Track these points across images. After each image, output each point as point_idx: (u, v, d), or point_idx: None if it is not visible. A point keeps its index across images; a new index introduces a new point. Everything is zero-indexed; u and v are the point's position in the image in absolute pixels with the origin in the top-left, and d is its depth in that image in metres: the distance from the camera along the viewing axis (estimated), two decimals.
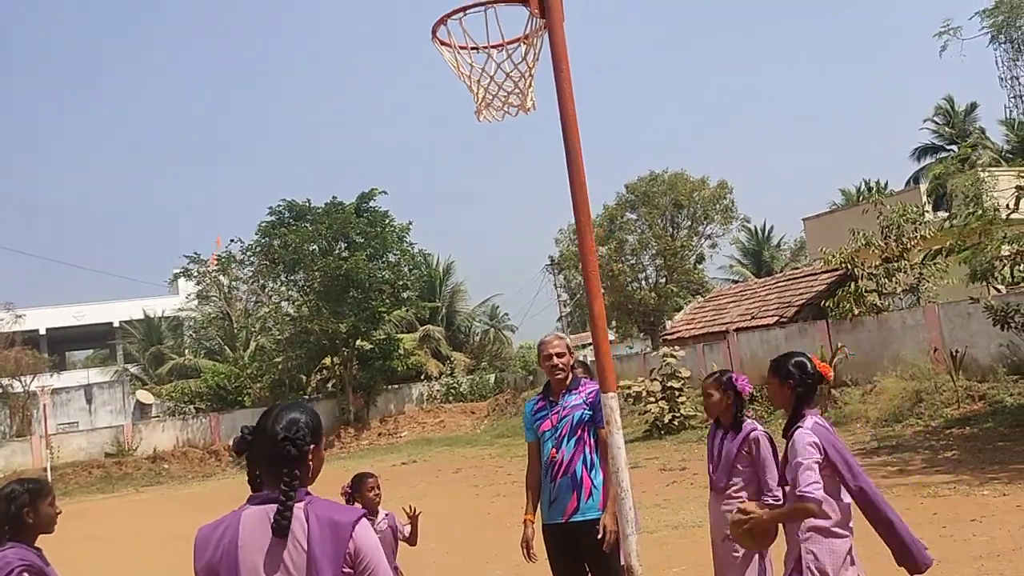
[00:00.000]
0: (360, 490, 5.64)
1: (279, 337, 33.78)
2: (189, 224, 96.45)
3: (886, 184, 45.06)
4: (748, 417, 5.14)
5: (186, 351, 40.99)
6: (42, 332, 46.11)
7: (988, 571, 6.88)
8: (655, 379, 22.28)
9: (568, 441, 5.20)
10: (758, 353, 22.05)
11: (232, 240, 34.82)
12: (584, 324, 55.90)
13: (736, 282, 39.92)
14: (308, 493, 2.61)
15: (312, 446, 2.65)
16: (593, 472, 5.13)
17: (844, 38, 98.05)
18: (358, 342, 34.42)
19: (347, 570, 2.54)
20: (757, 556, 4.88)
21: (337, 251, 33.14)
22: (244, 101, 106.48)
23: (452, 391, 36.91)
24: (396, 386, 36.73)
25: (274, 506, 2.52)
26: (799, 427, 3.97)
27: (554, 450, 5.24)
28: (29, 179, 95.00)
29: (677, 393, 21.59)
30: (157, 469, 31.50)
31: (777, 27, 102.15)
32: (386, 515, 5.69)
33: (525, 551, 5.27)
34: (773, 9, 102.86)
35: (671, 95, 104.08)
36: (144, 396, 38.20)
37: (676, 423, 21.26)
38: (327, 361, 35.30)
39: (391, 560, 5.51)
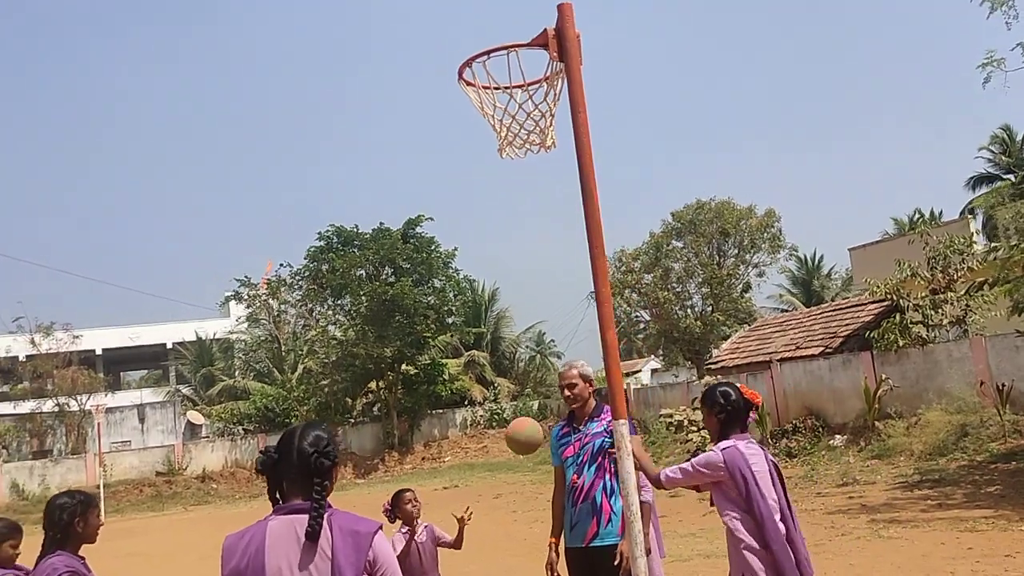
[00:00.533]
0: (399, 504, 5.88)
1: (325, 360, 34.21)
2: (241, 248, 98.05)
3: (940, 213, 44.52)
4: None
5: (236, 373, 41.62)
6: (98, 352, 47.23)
7: None
8: (696, 408, 22.21)
9: (589, 467, 5.38)
10: (801, 384, 21.91)
11: (282, 264, 35.51)
12: (629, 352, 55.84)
13: (785, 311, 39.62)
14: (330, 505, 2.85)
15: (336, 460, 2.93)
16: (612, 498, 5.29)
17: (899, 61, 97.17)
18: (403, 366, 34.76)
19: (365, 575, 2.76)
20: None
21: (383, 276, 33.56)
22: (295, 129, 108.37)
23: (496, 417, 37.03)
24: (440, 411, 36.96)
25: (300, 516, 2.77)
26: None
27: (575, 476, 5.43)
28: (87, 204, 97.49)
29: None
30: (206, 489, 31.99)
31: (829, 53, 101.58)
32: (425, 526, 5.91)
33: (549, 573, 5.43)
34: (822, 36, 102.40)
35: (720, 121, 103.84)
36: (195, 417, 38.87)
37: None
38: (372, 385, 35.66)
39: (433, 569, 5.79)
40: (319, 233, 34.32)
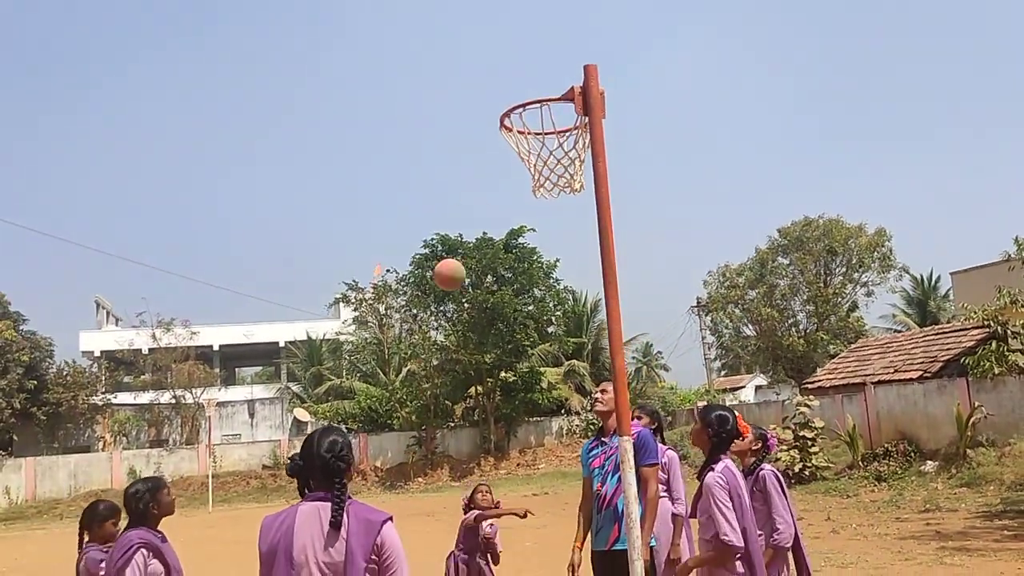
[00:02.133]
0: (473, 497, 6.78)
1: (427, 365, 35.04)
2: (352, 251, 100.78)
3: None
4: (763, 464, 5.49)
5: (343, 373, 42.90)
6: (215, 348, 49.41)
7: None
8: (788, 427, 22.04)
9: (611, 477, 5.85)
10: (895, 407, 21.51)
11: (388, 270, 36.56)
12: (732, 368, 55.17)
13: (898, 332, 38.62)
14: (350, 496, 3.39)
15: (351, 458, 3.46)
16: None
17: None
18: (502, 373, 35.32)
19: (373, 557, 3.27)
20: None
21: (485, 285, 34.21)
22: (402, 142, 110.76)
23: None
24: (537, 419, 37.37)
25: (325, 504, 3.31)
26: (711, 470, 4.50)
27: (600, 485, 5.93)
28: (207, 211, 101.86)
29: (810, 443, 21.30)
30: None
31: (947, 69, 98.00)
32: (491, 524, 6.71)
33: (570, 573, 5.86)
34: (944, 52, 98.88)
35: (837, 135, 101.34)
36: (301, 414, 40.31)
37: (807, 473, 20.98)
38: (472, 390, 36.33)
39: (482, 553, 6.68)
40: (424, 241, 35.25)
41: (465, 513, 6.72)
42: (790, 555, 5.30)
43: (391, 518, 3.36)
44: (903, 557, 10.95)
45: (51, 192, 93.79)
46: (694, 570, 4.76)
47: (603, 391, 6.01)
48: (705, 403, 33.16)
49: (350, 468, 3.44)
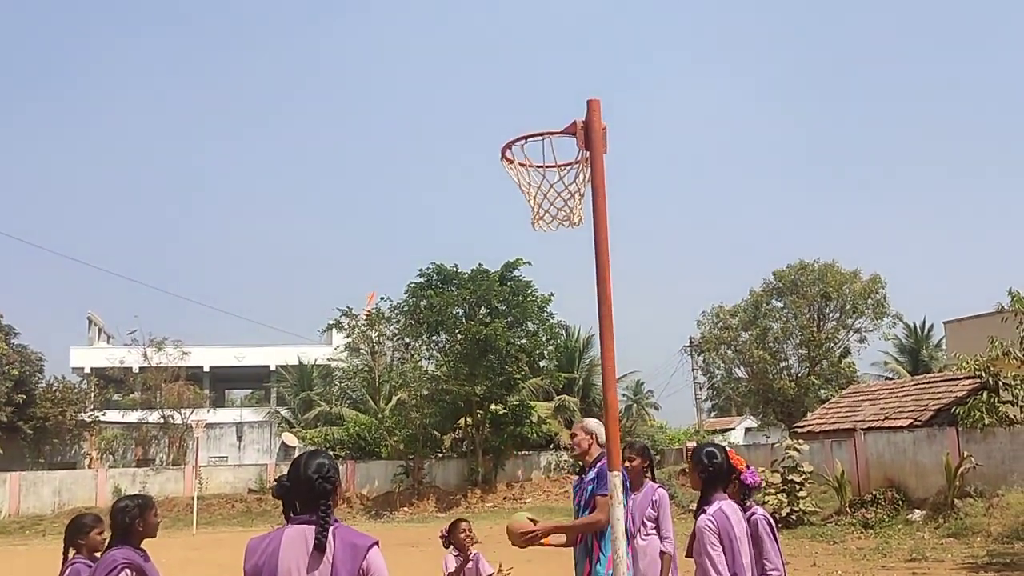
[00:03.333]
0: (454, 532, 6.59)
1: (417, 394, 34.98)
2: (347, 277, 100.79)
3: None
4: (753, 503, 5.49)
5: (333, 399, 42.80)
6: (205, 369, 49.28)
7: None
8: (776, 471, 22.01)
9: (583, 512, 5.89)
10: (884, 454, 21.54)
11: (382, 298, 36.59)
12: (722, 409, 55.14)
13: (889, 379, 38.67)
14: (336, 520, 3.40)
15: (337, 481, 3.46)
16: (603, 542, 5.70)
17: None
18: (492, 406, 35.26)
19: None
20: None
21: (479, 316, 34.23)
22: (400, 169, 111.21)
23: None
24: (526, 452, 37.27)
25: (310, 527, 3.32)
26: (704, 511, 4.52)
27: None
28: (196, 230, 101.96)
29: (797, 487, 21.28)
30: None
31: (948, 121, 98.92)
32: (474, 554, 6.55)
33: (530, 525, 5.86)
34: (944, 101, 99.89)
35: (833, 179, 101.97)
36: (289, 439, 40.14)
37: (794, 517, 20.92)
38: (461, 421, 36.25)
39: None
40: (420, 270, 35.35)
41: (445, 546, 6.64)
42: None
43: (377, 543, 3.38)
44: None
45: (46, 206, 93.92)
46: None
47: (572, 435, 6.12)
48: (696, 442, 33.23)
49: (336, 490, 3.45)
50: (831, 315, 37.28)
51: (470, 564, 6.48)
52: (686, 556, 4.99)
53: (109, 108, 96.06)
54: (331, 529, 3.31)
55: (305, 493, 3.38)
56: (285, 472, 3.56)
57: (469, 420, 35.76)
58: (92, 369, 46.89)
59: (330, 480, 3.41)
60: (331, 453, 27.24)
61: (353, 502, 34.15)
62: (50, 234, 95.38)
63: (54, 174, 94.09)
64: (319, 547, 3.25)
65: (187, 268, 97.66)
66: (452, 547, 6.58)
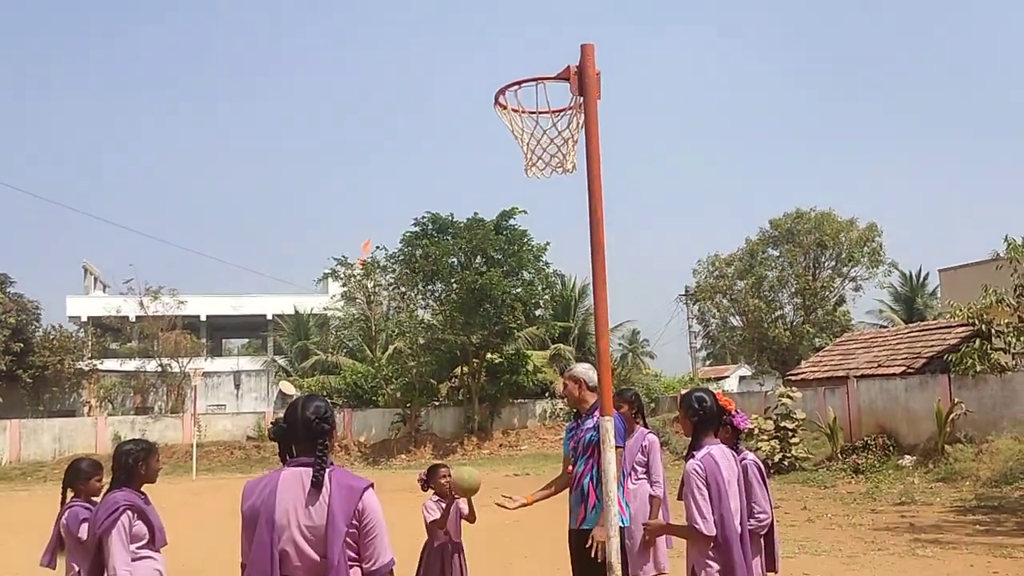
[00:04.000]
0: (434, 477, 6.57)
1: (413, 343, 35.10)
2: (340, 226, 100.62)
3: None
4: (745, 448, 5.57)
5: (329, 348, 42.95)
6: (202, 318, 49.34)
7: None
8: (769, 418, 22.22)
9: (581, 459, 6.01)
10: (876, 402, 21.73)
11: (377, 247, 36.54)
12: (717, 358, 55.42)
13: (884, 327, 38.83)
14: (331, 462, 3.45)
15: (332, 424, 3.52)
16: (599, 487, 5.78)
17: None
18: (488, 355, 35.43)
19: (354, 522, 3.35)
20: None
21: (475, 265, 34.23)
22: (399, 118, 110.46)
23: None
24: (522, 401, 37.58)
25: (307, 469, 3.38)
26: (693, 455, 4.59)
27: (571, 466, 6.08)
28: (196, 180, 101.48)
29: (790, 434, 21.50)
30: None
31: (945, 69, 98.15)
32: (457, 499, 6.50)
33: (507, 498, 6.11)
34: (942, 50, 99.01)
35: (831, 127, 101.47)
36: (286, 387, 40.38)
37: (786, 463, 21.17)
38: (457, 370, 36.45)
39: (455, 536, 6.48)
40: (415, 219, 35.25)
41: (423, 489, 6.61)
42: (762, 541, 5.39)
43: (372, 485, 3.44)
44: (876, 547, 11.12)
45: (42, 154, 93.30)
46: (667, 537, 4.88)
47: (572, 379, 6.15)
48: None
49: (333, 431, 3.52)
50: (827, 264, 37.27)
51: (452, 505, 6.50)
52: (677, 499, 5.08)
53: (103, 53, 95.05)
54: (328, 471, 3.36)
55: (303, 434, 3.44)
56: (282, 415, 3.62)
57: (465, 369, 35.97)
58: (89, 318, 46.95)
59: (328, 421, 3.47)
60: (328, 401, 27.74)
61: (351, 449, 34.47)
62: (44, 182, 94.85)
63: (48, 122, 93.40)
64: (316, 485, 3.31)
65: (183, 217, 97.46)
66: (432, 492, 6.57)
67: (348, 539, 3.31)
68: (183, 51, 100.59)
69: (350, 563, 3.32)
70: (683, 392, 5.16)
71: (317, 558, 3.29)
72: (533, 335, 37.67)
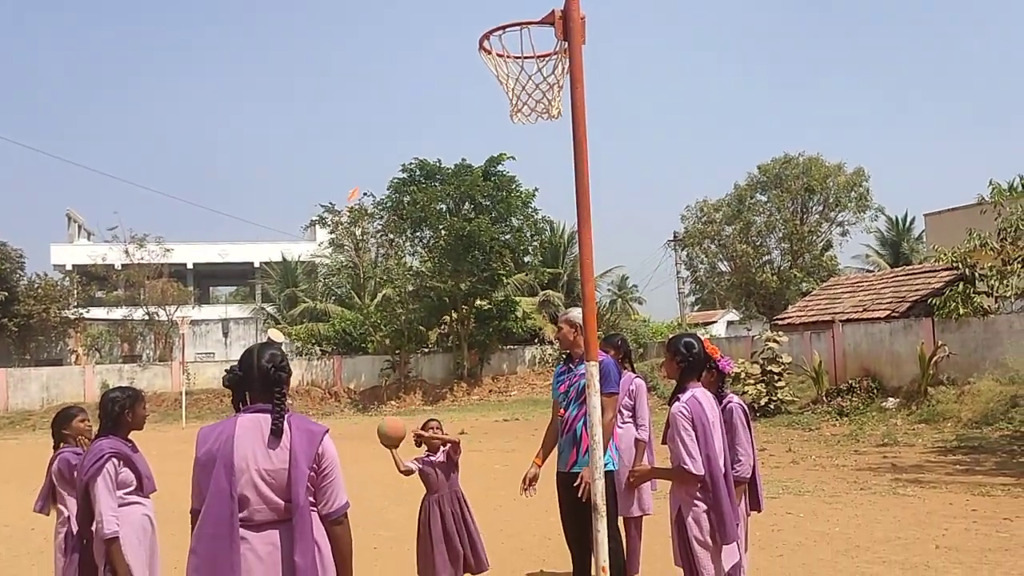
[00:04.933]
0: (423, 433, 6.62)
1: (402, 290, 35.12)
2: (327, 173, 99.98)
3: None
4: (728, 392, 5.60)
5: (318, 295, 42.93)
6: (189, 266, 49.17)
7: (990, 562, 7.16)
8: (756, 362, 22.41)
9: (573, 403, 6.06)
10: (861, 345, 21.92)
11: (365, 194, 36.37)
12: (706, 303, 55.66)
13: (870, 272, 39.03)
14: (289, 408, 3.49)
15: (290, 371, 3.57)
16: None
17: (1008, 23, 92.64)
18: (477, 301, 35.50)
19: (313, 465, 3.39)
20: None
21: (463, 212, 34.13)
22: (384, 64, 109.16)
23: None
24: (511, 347, 37.76)
25: (265, 415, 3.40)
26: (678, 399, 4.64)
27: (563, 410, 6.16)
28: (183, 128, 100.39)
29: (776, 377, 21.69)
30: None
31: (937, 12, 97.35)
32: (443, 448, 6.58)
33: (523, 484, 6.08)
34: None
35: (820, 72, 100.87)
36: (275, 334, 40.31)
37: (772, 406, 21.40)
38: (446, 317, 36.53)
39: (454, 484, 6.52)
40: (403, 165, 35.06)
41: (417, 446, 6.67)
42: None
43: (328, 431, 3.50)
44: (859, 487, 11.29)
45: (23, 101, 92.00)
46: (651, 480, 4.93)
47: (568, 323, 6.14)
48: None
49: (289, 380, 3.56)
50: (814, 208, 37.35)
51: (441, 457, 6.53)
52: (662, 443, 5.13)
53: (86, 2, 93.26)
54: (286, 417, 3.39)
55: (259, 382, 3.46)
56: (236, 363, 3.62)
57: (454, 315, 36.06)
58: (74, 266, 46.74)
59: (284, 368, 3.50)
60: (319, 351, 27.40)
61: (340, 396, 34.66)
62: (26, 130, 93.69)
63: (29, 69, 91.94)
64: (276, 433, 3.34)
65: (167, 165, 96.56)
66: (424, 448, 6.63)
67: (308, 483, 3.35)
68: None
69: (311, 505, 3.38)
70: (671, 336, 5.17)
71: (279, 501, 3.33)
72: (522, 281, 37.75)
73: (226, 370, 3.58)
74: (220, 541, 3.25)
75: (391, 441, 6.34)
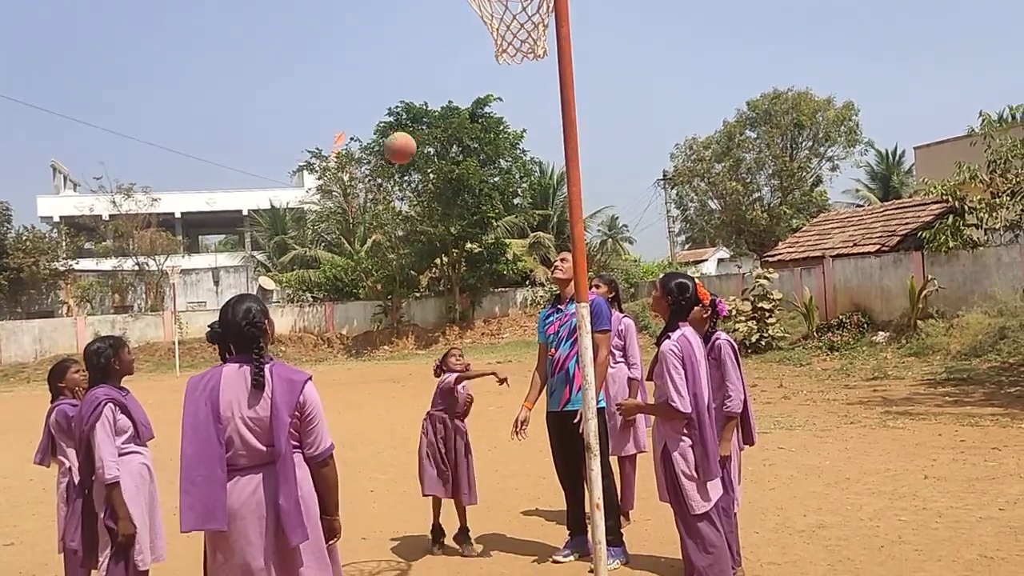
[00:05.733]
0: (446, 360, 6.85)
1: (392, 235, 35.02)
2: (314, 117, 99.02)
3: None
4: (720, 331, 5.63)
5: (308, 242, 42.77)
6: (177, 215, 48.84)
7: (976, 491, 7.29)
8: (747, 299, 22.50)
9: (565, 343, 6.09)
10: (851, 280, 22.01)
11: (352, 139, 36.06)
12: (696, 241, 55.71)
13: (860, 207, 39.05)
14: (271, 358, 3.65)
15: (266, 321, 3.67)
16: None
17: None
18: (467, 245, 35.43)
19: (296, 413, 3.55)
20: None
21: (451, 155, 33.89)
22: (370, 6, 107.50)
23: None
24: (502, 289, 37.79)
25: (247, 367, 3.56)
26: (668, 337, 4.67)
27: (553, 350, 6.20)
28: (167, 77, 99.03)
29: (767, 314, 21.80)
30: (274, 351, 33.19)
31: None
32: (463, 385, 6.77)
33: (514, 427, 6.12)
34: None
35: (810, 10, 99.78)
36: (266, 282, 40.35)
37: (763, 343, 21.55)
38: (437, 261, 36.49)
39: (454, 414, 6.71)
40: (389, 109, 34.68)
41: (436, 376, 6.85)
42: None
43: (311, 378, 3.63)
44: (849, 421, 11.44)
45: (4, 51, 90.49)
46: (645, 416, 4.99)
47: (563, 259, 6.17)
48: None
49: (267, 330, 3.66)
50: (804, 144, 37.22)
51: (464, 392, 6.73)
52: (647, 380, 5.18)
53: None
54: (267, 367, 3.55)
55: (236, 338, 3.61)
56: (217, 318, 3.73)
57: (445, 259, 36.02)
58: (61, 218, 46.38)
59: (257, 325, 3.61)
60: (310, 297, 27.37)
61: (333, 342, 34.75)
62: (7, 81, 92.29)
63: (11, 18, 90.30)
64: (257, 385, 3.50)
65: (151, 113, 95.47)
66: (446, 375, 6.80)
67: (291, 428, 3.52)
68: None
69: (293, 449, 3.54)
70: (664, 275, 5.19)
71: (262, 447, 3.52)
72: (512, 224, 37.63)
73: (208, 325, 3.74)
74: (212, 483, 3.46)
75: (395, 152, 6.29)
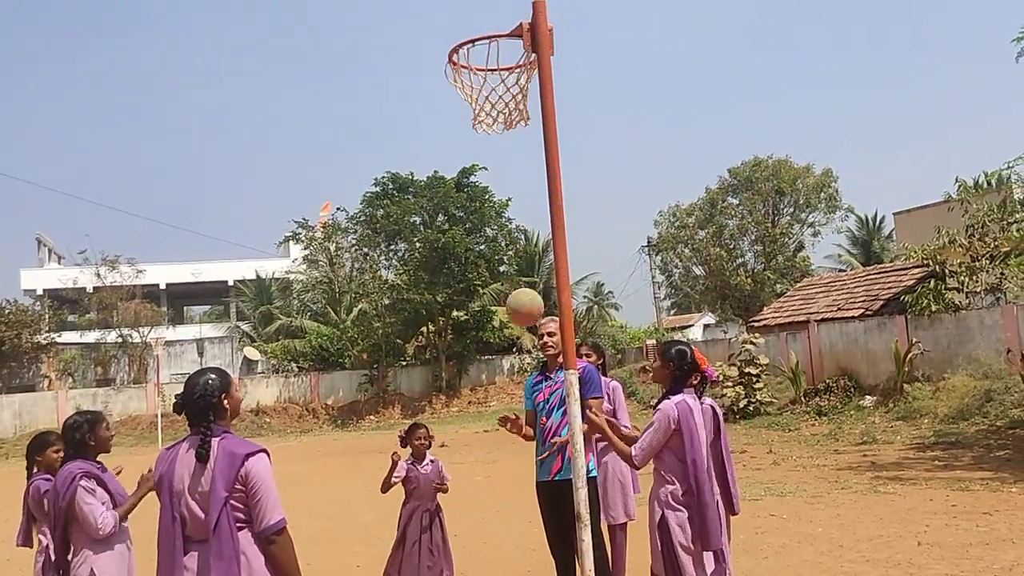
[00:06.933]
0: (411, 437, 6.67)
1: (378, 304, 35.02)
2: (299, 190, 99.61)
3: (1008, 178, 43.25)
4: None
5: (294, 312, 42.66)
6: (162, 287, 48.65)
7: (972, 557, 7.21)
8: (733, 364, 22.50)
9: (556, 411, 6.04)
10: (837, 344, 22.06)
11: (338, 208, 36.26)
12: (681, 307, 55.84)
13: (842, 271, 39.34)
14: (226, 431, 3.66)
15: (222, 395, 3.68)
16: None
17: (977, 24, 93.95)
18: (454, 312, 35.43)
19: (239, 487, 3.51)
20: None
21: (437, 224, 34.09)
22: (353, 80, 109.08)
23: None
24: (489, 357, 37.70)
25: (196, 439, 3.59)
26: (668, 399, 4.67)
27: (544, 418, 6.12)
28: (154, 148, 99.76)
29: (754, 379, 21.78)
30: (259, 422, 33.02)
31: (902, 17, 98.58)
32: (431, 461, 6.62)
33: (503, 420, 6.13)
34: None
35: (788, 79, 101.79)
36: (251, 352, 40.11)
37: (751, 408, 21.49)
38: (423, 329, 36.42)
39: (431, 498, 6.50)
40: (375, 179, 35.04)
41: (402, 444, 6.68)
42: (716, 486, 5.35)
43: (262, 451, 3.60)
44: (839, 486, 11.35)
45: None
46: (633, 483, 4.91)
47: (550, 334, 6.08)
48: (657, 340, 33.71)
49: (220, 403, 3.67)
50: (785, 210, 37.65)
51: (428, 468, 6.53)
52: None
53: (56, 23, 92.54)
54: (216, 440, 3.55)
55: (189, 410, 3.66)
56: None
57: (431, 327, 35.97)
58: (45, 291, 46.11)
59: (207, 398, 3.63)
60: (295, 367, 27.16)
61: (319, 413, 34.43)
62: None
63: None
64: (200, 458, 3.52)
65: (137, 185, 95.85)
66: (409, 451, 6.62)
67: (235, 502, 3.50)
68: (132, 12, 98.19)
69: (238, 525, 3.51)
70: (665, 343, 5.20)
71: (207, 521, 3.50)
72: (498, 291, 37.66)
73: (174, 396, 3.78)
74: (169, 555, 3.53)
75: (523, 314, 6.09)
